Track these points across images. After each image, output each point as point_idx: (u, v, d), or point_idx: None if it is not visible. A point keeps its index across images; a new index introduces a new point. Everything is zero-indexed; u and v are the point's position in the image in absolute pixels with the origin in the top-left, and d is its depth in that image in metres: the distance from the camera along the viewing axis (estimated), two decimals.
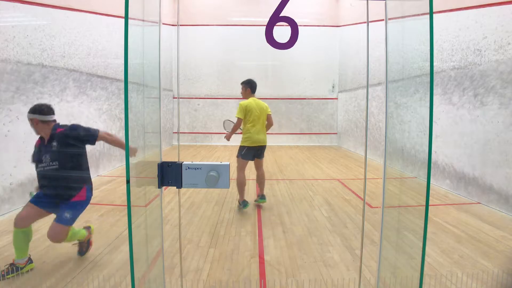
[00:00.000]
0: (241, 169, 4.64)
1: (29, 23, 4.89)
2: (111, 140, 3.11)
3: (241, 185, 4.63)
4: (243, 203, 4.63)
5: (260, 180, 4.87)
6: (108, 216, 4.31)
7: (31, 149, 4.97)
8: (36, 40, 4.99)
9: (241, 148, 4.64)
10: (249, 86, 4.66)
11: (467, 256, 3.22)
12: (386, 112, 1.51)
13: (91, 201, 3.13)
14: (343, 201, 5.19)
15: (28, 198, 3.07)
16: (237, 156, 4.66)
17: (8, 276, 2.74)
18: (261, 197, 4.83)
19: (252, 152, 4.64)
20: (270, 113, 4.76)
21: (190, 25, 12.35)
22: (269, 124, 4.79)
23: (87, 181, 3.09)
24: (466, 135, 5.32)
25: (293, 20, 1.33)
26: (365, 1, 1.57)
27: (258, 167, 4.83)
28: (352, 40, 11.43)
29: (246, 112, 4.55)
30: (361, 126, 10.56)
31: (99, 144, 7.17)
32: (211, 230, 3.90)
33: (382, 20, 1.43)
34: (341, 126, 12.56)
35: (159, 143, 1.49)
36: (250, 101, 4.60)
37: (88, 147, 3.18)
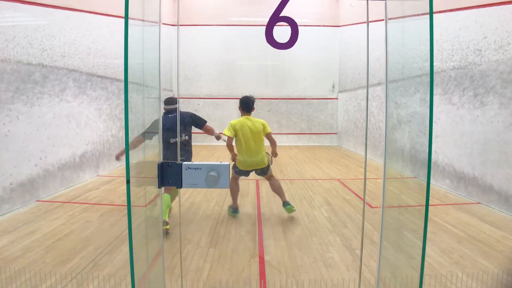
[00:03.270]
0: (232, 178, 4.38)
1: (29, 23, 4.89)
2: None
3: (231, 191, 4.45)
4: (232, 209, 4.44)
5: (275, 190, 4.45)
6: (108, 216, 4.30)
7: (31, 149, 5.00)
8: (36, 40, 4.99)
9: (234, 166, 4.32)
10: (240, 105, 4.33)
11: (467, 256, 3.22)
12: (386, 112, 1.51)
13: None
14: (343, 201, 5.19)
15: None
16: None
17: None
18: (284, 204, 4.40)
19: (245, 173, 4.38)
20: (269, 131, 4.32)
21: (190, 25, 12.35)
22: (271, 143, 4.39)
23: None
24: (466, 135, 5.32)
25: (293, 20, 1.33)
26: (365, 1, 1.57)
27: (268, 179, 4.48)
28: (352, 40, 11.42)
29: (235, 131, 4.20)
30: (361, 126, 10.56)
31: (99, 144, 7.20)
32: (211, 230, 3.89)
33: (382, 20, 1.43)
34: (341, 126, 12.55)
35: (159, 143, 1.49)
36: (241, 119, 4.27)
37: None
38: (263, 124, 4.28)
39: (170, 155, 3.70)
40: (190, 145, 4.20)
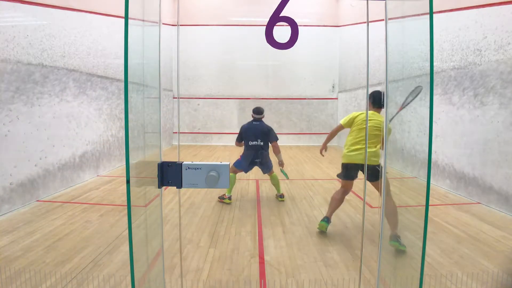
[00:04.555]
0: (341, 187, 3.93)
1: (29, 23, 4.89)
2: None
3: (335, 201, 3.90)
4: (325, 219, 3.81)
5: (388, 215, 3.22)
6: (108, 216, 4.30)
7: (31, 149, 5.01)
8: (36, 40, 4.99)
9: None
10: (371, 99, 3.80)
11: (467, 256, 3.22)
12: (386, 112, 1.51)
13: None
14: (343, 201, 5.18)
15: None
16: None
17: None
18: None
19: (352, 174, 3.77)
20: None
21: (190, 25, 12.35)
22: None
23: None
24: (466, 135, 5.32)
25: (293, 20, 1.33)
26: (365, 1, 1.57)
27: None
28: (352, 40, 11.42)
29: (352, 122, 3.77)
30: None
31: (99, 144, 7.20)
32: (211, 230, 3.89)
33: (382, 20, 1.43)
34: None
35: (159, 143, 1.49)
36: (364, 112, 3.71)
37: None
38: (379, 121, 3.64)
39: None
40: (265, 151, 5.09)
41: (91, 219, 4.19)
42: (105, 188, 5.77)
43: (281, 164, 5.06)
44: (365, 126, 3.65)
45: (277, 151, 5.04)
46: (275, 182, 5.23)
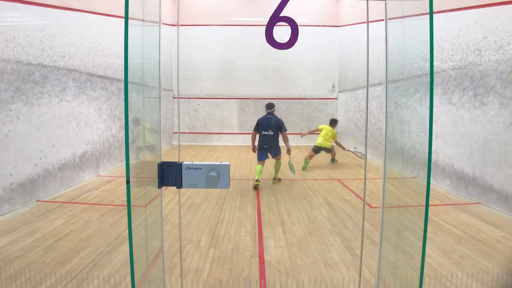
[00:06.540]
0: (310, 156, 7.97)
1: (29, 23, 4.89)
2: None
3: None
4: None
5: None
6: (108, 216, 4.31)
7: (31, 149, 5.01)
8: (36, 40, 4.99)
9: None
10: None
11: (467, 256, 3.22)
12: (386, 112, 1.51)
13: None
14: (343, 201, 5.19)
15: None
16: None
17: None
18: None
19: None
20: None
21: (190, 25, 12.34)
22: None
23: None
24: (466, 135, 5.32)
25: (293, 20, 1.33)
26: (365, 1, 1.57)
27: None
28: (352, 40, 11.42)
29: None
30: (361, 126, 10.55)
31: (99, 144, 7.18)
32: (211, 230, 3.89)
33: (382, 20, 1.43)
34: (341, 126, 12.55)
35: (159, 143, 1.49)
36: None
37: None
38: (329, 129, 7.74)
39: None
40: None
41: (91, 219, 4.19)
42: (105, 188, 5.77)
43: (288, 152, 6.23)
44: (321, 133, 7.63)
45: (286, 139, 6.24)
46: (277, 167, 6.37)
